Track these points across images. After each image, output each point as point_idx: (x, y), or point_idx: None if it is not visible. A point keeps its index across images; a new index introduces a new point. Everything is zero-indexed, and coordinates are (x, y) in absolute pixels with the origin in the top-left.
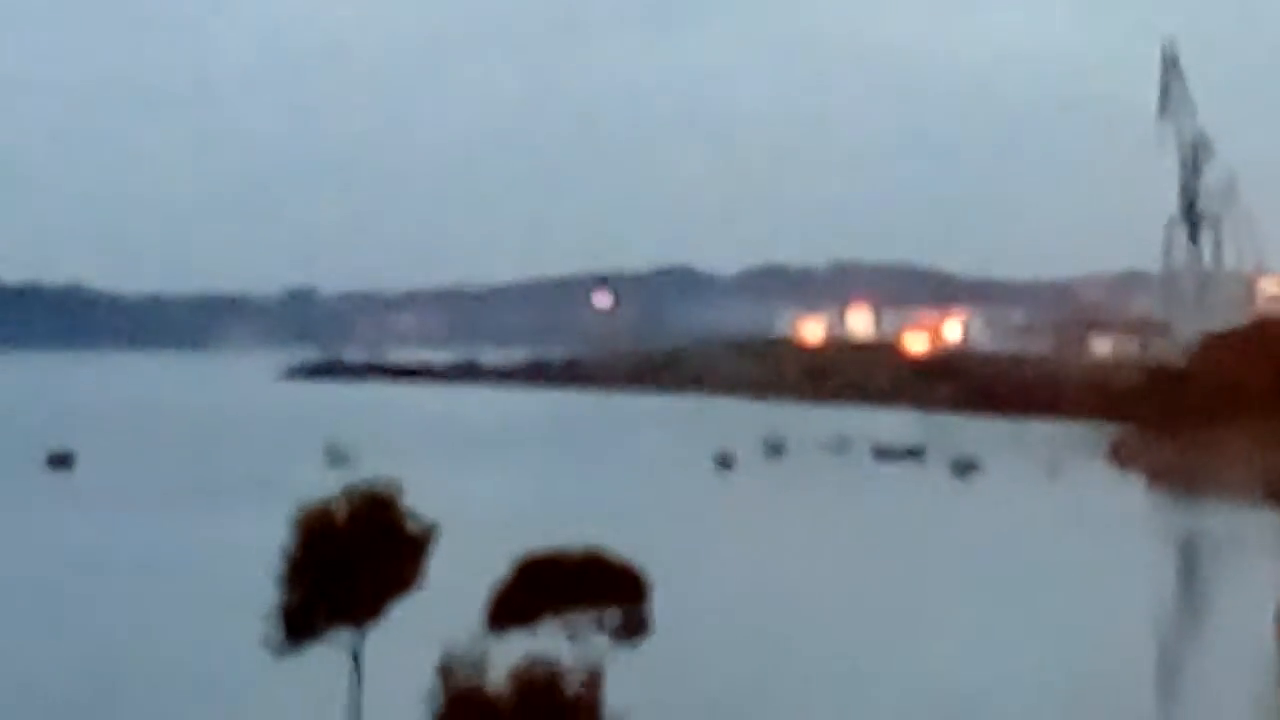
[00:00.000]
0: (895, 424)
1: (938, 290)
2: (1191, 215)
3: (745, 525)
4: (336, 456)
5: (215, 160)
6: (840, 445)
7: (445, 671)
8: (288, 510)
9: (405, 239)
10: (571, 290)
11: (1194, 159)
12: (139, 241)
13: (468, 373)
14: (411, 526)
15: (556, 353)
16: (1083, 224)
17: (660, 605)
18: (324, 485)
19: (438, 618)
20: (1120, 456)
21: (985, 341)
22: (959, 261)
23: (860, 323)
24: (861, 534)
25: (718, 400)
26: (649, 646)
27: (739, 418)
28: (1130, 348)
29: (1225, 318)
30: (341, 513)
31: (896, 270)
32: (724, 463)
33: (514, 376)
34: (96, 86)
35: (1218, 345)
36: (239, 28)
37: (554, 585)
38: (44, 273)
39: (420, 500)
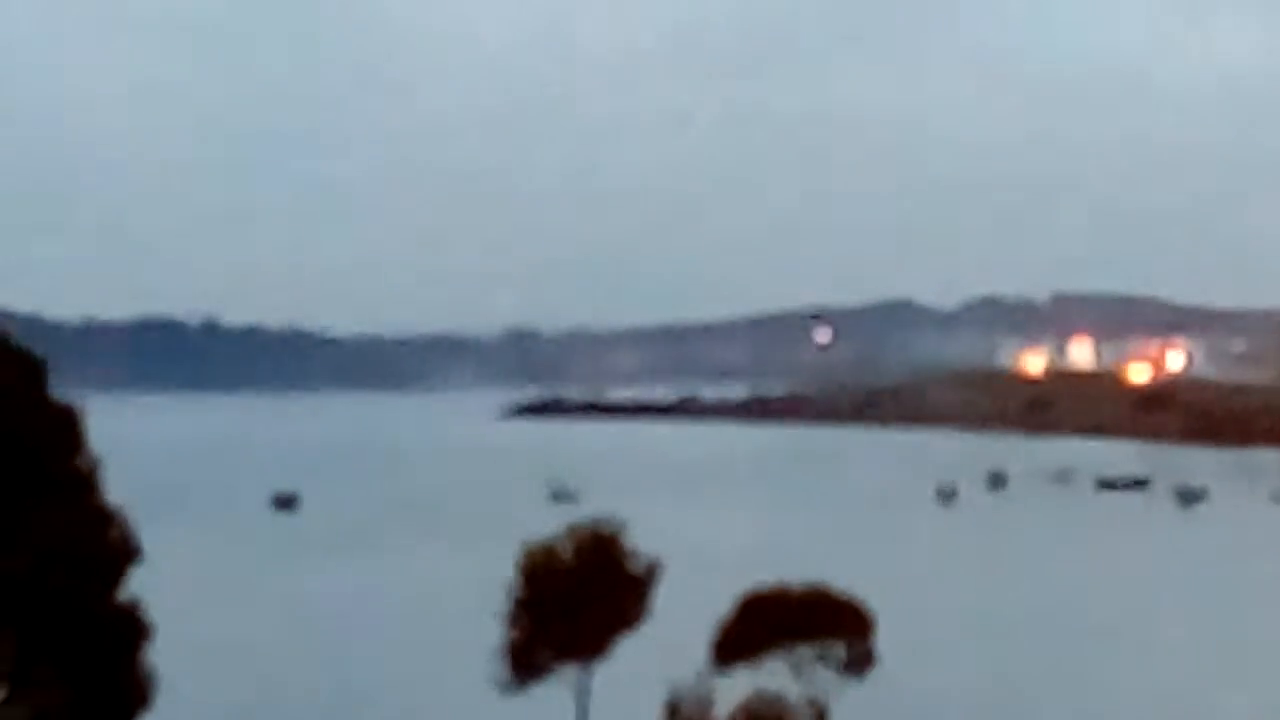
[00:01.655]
0: (1118, 455)
1: (1159, 320)
2: None
3: (969, 557)
4: (560, 494)
5: (430, 198)
6: (1063, 476)
7: (672, 708)
8: (512, 549)
9: (623, 277)
10: (790, 325)
11: None
12: (359, 283)
13: (687, 409)
14: (635, 564)
15: (776, 388)
16: None
17: (885, 639)
18: (547, 523)
19: (663, 655)
20: None
21: (1208, 370)
22: (1180, 291)
23: (1082, 354)
24: (1087, 564)
25: (939, 433)
26: (874, 681)
27: (960, 451)
28: None
29: None
30: (566, 551)
31: (1117, 300)
32: (946, 495)
33: (734, 412)
34: (319, 131)
35: None
36: (444, 66)
37: (778, 620)
38: (266, 315)
39: (643, 537)
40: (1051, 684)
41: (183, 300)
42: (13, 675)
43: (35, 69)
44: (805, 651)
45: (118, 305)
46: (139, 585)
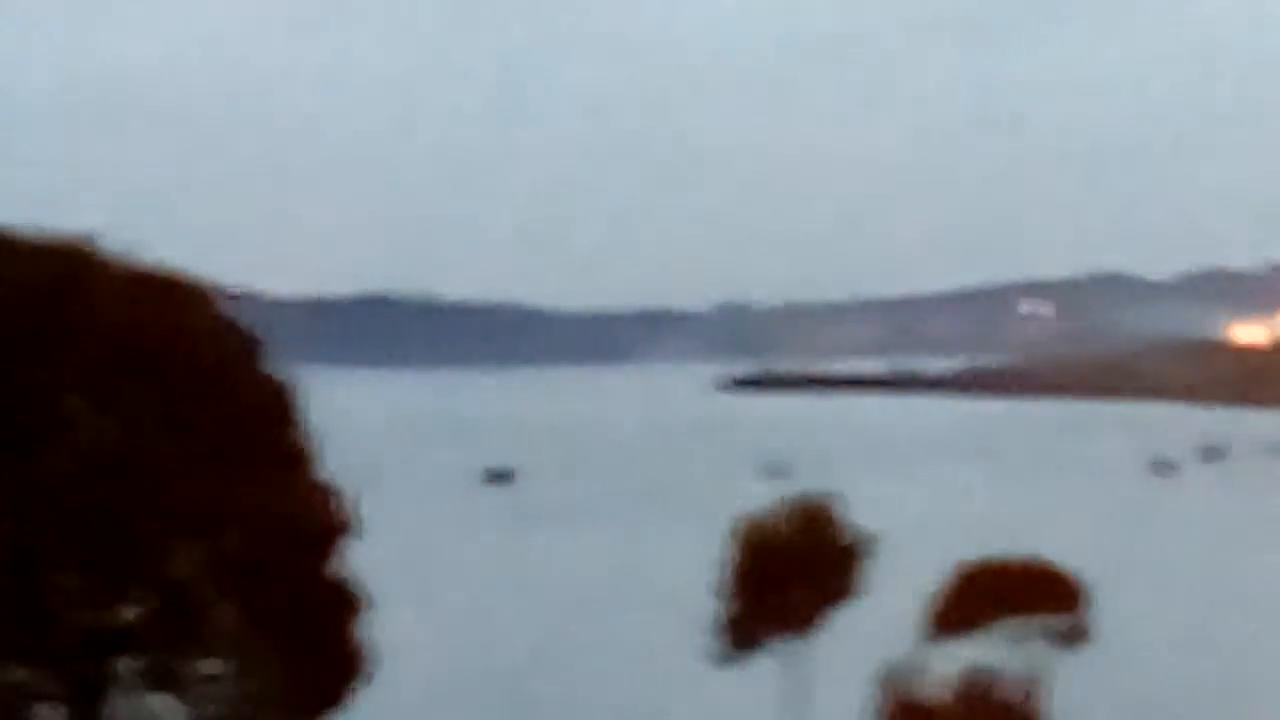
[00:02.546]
0: None
1: None
2: None
3: (1187, 530)
4: (774, 468)
5: (644, 172)
6: None
7: (887, 681)
8: (725, 523)
9: (836, 249)
10: (1005, 298)
11: None
12: (575, 258)
13: (902, 382)
14: (850, 537)
15: (991, 361)
16: None
17: (1102, 612)
18: (762, 497)
19: (878, 627)
20: None
21: None
22: None
23: None
24: None
25: (1156, 405)
26: (1091, 654)
27: (1178, 422)
28: None
29: None
30: (780, 525)
31: None
32: (1164, 468)
33: (948, 385)
34: (517, 102)
35: None
36: (654, 36)
37: (995, 593)
38: (482, 290)
39: (858, 511)
40: (1268, 663)
41: (402, 277)
42: (230, 649)
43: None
44: (1021, 625)
45: (338, 282)
46: (356, 559)
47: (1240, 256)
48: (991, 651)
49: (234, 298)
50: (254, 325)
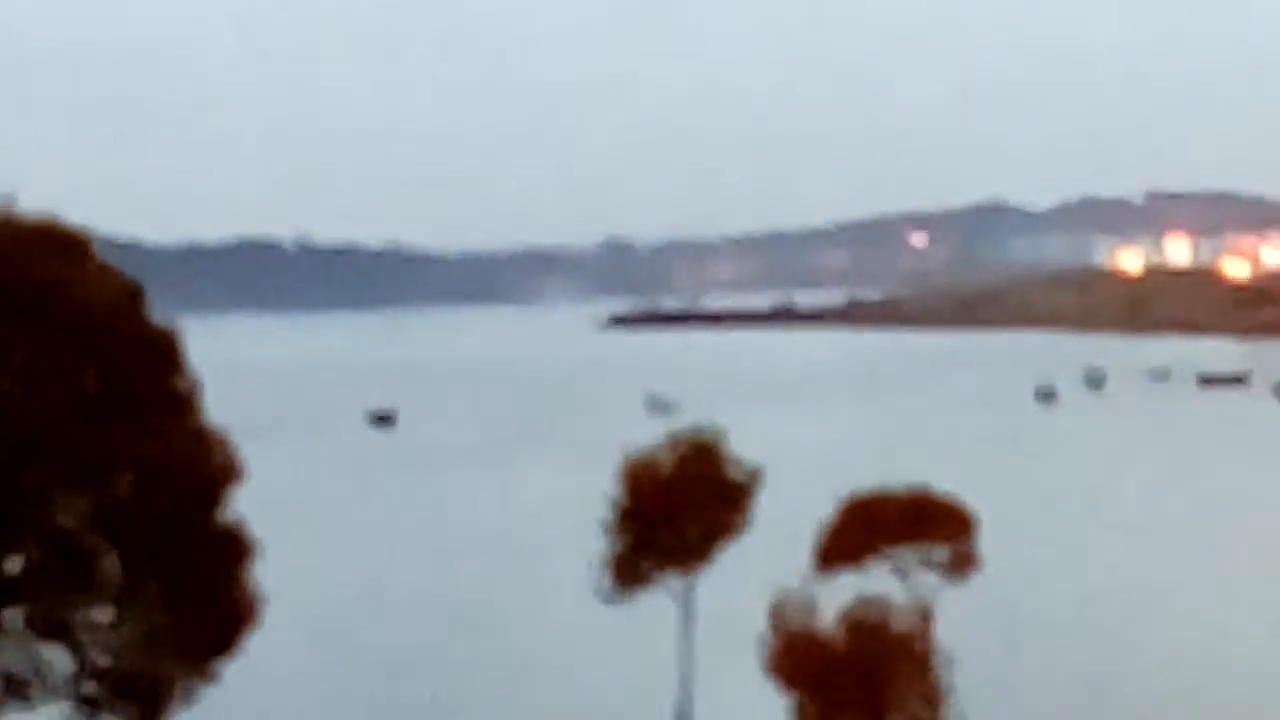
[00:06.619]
0: (1217, 352)
1: (1255, 216)
2: None
3: (1069, 457)
4: (658, 405)
5: (521, 112)
6: (1162, 374)
7: (776, 614)
8: (612, 460)
9: (719, 185)
10: (887, 230)
11: None
12: (453, 199)
13: (785, 316)
14: (736, 471)
15: (873, 293)
16: None
17: (987, 540)
18: (647, 434)
19: (765, 561)
20: None
21: None
22: (1275, 186)
23: (1178, 251)
24: (1188, 461)
25: (1037, 335)
26: (977, 582)
27: (1059, 351)
28: None
29: None
30: (667, 460)
31: (1212, 197)
32: (1045, 396)
33: (832, 319)
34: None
35: None
36: None
37: (881, 524)
38: (361, 234)
39: (744, 445)
40: (1153, 582)
41: (279, 222)
42: (119, 597)
43: None
44: (908, 554)
45: (215, 228)
46: (240, 504)
47: (1116, 185)
48: (880, 582)
49: (112, 245)
50: (133, 273)
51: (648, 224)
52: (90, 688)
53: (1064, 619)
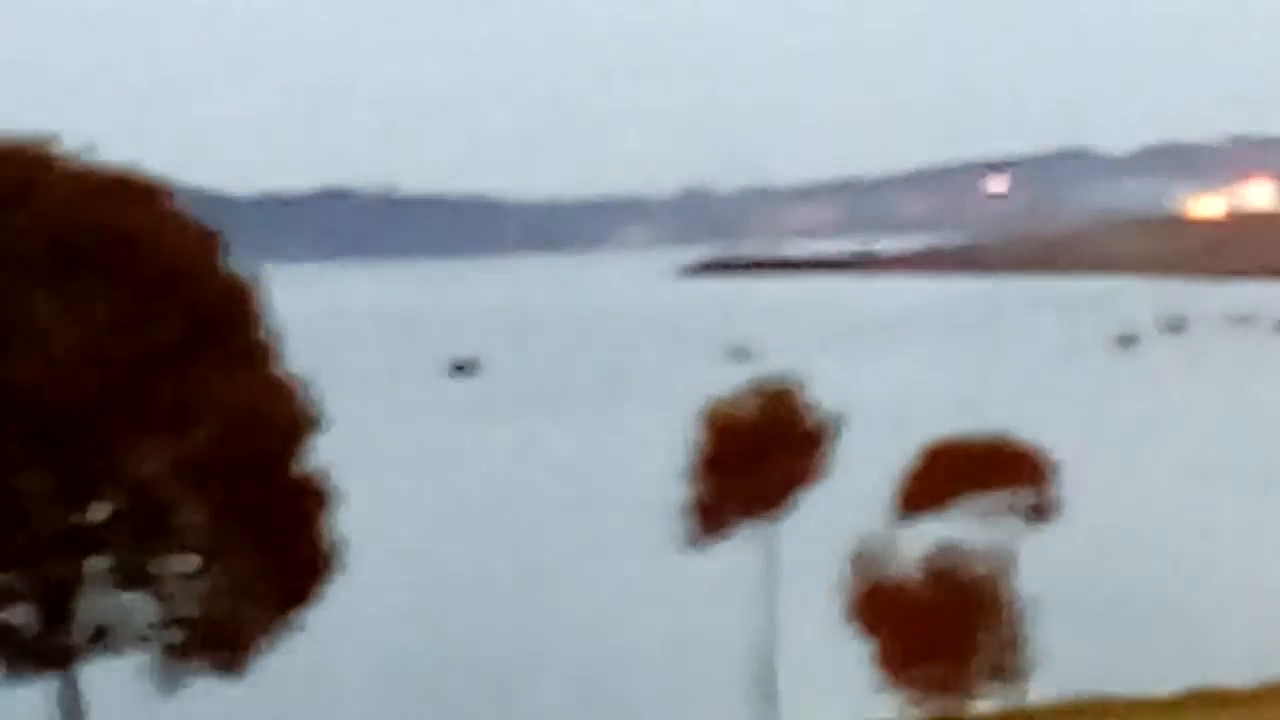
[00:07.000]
0: None
1: None
2: None
3: (1150, 403)
4: (738, 352)
5: (599, 62)
6: (1243, 320)
7: (857, 560)
8: (692, 408)
9: (797, 132)
10: (966, 176)
11: None
12: (534, 148)
13: (864, 263)
14: (816, 418)
15: (954, 239)
16: None
17: (1069, 486)
18: (726, 381)
19: (847, 508)
20: None
21: None
22: None
23: (1260, 196)
24: (1269, 407)
25: (1117, 280)
26: (1060, 528)
27: (1139, 296)
28: None
29: None
30: (747, 408)
31: None
32: (1127, 341)
33: (911, 265)
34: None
35: None
36: None
37: (962, 470)
38: (445, 182)
39: (824, 392)
40: (1232, 530)
41: (360, 171)
42: (201, 546)
43: None
44: (989, 500)
45: (295, 177)
46: (322, 453)
47: (1197, 129)
48: (959, 529)
49: (193, 195)
50: (213, 223)
51: (726, 171)
52: (175, 636)
53: (1143, 567)
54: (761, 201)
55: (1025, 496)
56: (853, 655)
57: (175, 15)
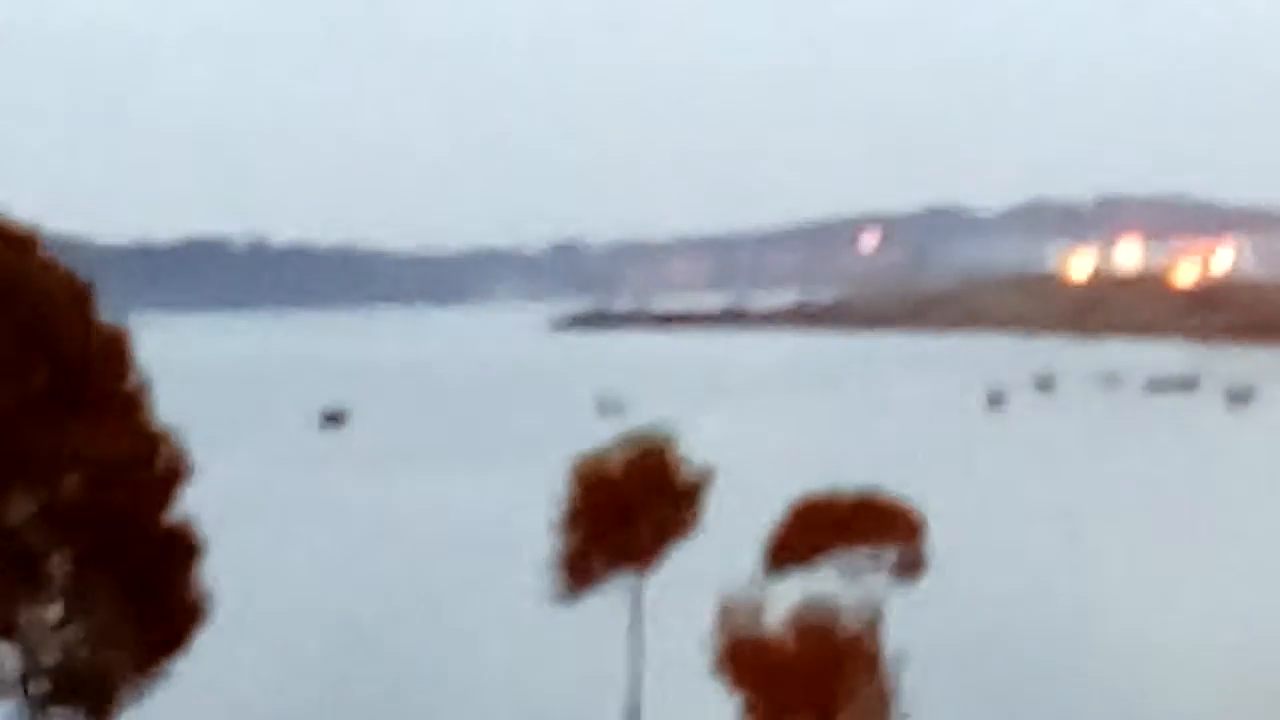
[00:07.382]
0: (1167, 356)
1: (1205, 221)
2: None
3: (1019, 461)
4: (608, 406)
5: (473, 114)
6: (1111, 379)
7: (724, 614)
8: (562, 461)
9: (671, 186)
10: (837, 232)
11: None
12: (407, 199)
13: (736, 318)
14: (686, 473)
15: (825, 295)
16: None
17: (936, 542)
18: (597, 435)
19: (715, 562)
20: None
21: (1256, 270)
22: (1227, 191)
23: (1128, 256)
24: (1138, 466)
25: (987, 338)
26: (926, 584)
27: (1009, 354)
28: None
29: None
30: (617, 461)
31: (1163, 202)
32: (995, 400)
33: (782, 320)
34: (350, 43)
35: None
36: None
37: (830, 526)
38: (314, 233)
39: (694, 446)
40: (1103, 584)
41: (231, 221)
42: (67, 595)
43: None
44: (857, 556)
45: (166, 227)
46: (190, 503)
47: (1068, 189)
48: (829, 584)
49: (61, 243)
50: (82, 272)
51: (599, 225)
52: (39, 686)
53: (1012, 621)
54: (634, 255)
55: (894, 552)
56: (720, 709)
57: (43, 60)
